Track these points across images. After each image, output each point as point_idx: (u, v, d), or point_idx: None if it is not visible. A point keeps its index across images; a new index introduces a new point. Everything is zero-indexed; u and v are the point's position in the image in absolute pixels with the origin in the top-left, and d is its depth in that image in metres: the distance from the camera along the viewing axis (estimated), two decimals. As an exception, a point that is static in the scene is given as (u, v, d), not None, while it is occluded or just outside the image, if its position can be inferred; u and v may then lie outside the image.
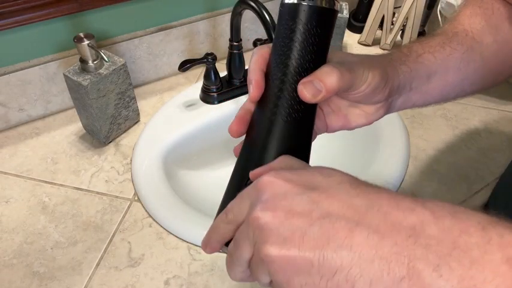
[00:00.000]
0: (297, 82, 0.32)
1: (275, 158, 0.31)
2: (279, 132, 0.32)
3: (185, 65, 0.67)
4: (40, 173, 0.64)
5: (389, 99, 0.38)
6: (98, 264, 0.53)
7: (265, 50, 0.34)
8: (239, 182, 0.33)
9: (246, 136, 0.35)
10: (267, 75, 0.33)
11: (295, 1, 0.31)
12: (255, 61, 0.34)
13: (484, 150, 0.71)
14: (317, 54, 0.32)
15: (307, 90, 0.31)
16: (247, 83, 0.34)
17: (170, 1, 0.75)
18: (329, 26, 0.33)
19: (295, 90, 0.32)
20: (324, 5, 0.32)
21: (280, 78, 0.32)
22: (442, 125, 0.75)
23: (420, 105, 0.42)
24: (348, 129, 0.39)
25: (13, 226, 0.57)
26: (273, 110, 0.32)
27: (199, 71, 0.85)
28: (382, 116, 0.38)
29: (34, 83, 0.69)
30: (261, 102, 0.34)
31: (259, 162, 0.32)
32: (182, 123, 0.71)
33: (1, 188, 0.62)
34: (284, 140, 0.33)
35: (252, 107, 0.35)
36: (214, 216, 0.63)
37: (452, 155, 0.70)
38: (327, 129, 0.39)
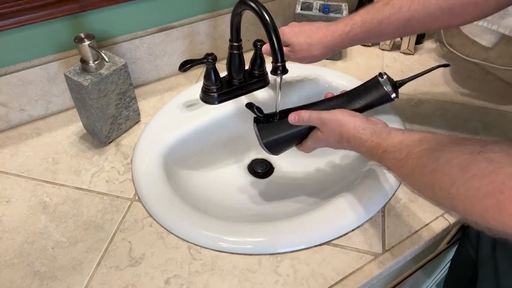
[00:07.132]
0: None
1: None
2: None
3: (185, 65, 0.67)
4: (41, 173, 0.65)
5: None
6: (98, 264, 0.54)
7: None
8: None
9: None
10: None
11: (381, 83, 0.62)
12: None
13: (484, 150, 0.70)
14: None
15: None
16: None
17: (171, 1, 0.75)
18: (381, 102, 0.63)
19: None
20: (390, 95, 0.62)
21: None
22: (442, 125, 0.75)
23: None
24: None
25: (14, 226, 0.58)
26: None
27: (200, 71, 0.85)
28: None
29: (35, 83, 0.69)
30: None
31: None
32: (182, 123, 0.71)
33: (2, 188, 0.63)
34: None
35: None
36: (214, 216, 0.64)
37: (451, 155, 0.70)
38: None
